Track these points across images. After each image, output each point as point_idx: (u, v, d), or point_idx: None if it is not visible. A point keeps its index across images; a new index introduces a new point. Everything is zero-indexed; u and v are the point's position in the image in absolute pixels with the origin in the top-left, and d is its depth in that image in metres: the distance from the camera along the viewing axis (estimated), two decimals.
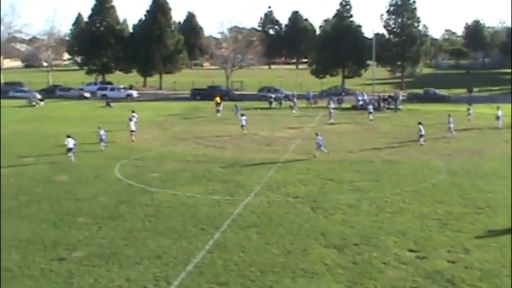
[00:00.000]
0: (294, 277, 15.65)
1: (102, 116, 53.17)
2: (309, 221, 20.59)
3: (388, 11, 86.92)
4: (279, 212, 21.73)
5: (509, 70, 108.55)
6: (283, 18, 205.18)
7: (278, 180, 26.91)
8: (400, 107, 59.38)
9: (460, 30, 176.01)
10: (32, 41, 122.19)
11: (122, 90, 77.56)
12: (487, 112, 51.64)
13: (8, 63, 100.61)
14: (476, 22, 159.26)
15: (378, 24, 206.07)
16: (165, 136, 41.74)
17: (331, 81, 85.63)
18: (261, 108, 59.91)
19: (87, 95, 75.21)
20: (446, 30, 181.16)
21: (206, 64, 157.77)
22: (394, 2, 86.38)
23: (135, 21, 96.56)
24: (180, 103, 67.68)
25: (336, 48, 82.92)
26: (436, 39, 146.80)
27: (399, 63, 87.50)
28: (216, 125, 47.75)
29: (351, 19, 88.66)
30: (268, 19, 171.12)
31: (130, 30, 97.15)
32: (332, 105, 53.10)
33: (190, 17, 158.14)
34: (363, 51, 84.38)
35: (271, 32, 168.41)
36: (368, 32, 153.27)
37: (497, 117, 44.88)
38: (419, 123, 37.74)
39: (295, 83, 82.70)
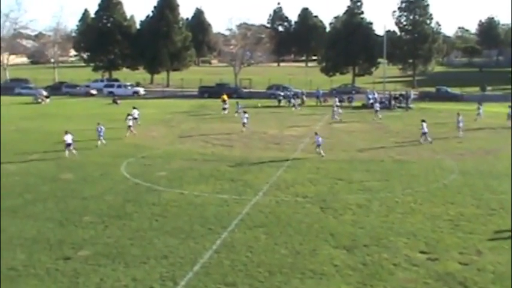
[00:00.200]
0: (302, 278, 15.42)
1: (108, 113, 52.89)
2: (318, 221, 20.32)
3: (399, 8, 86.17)
4: (288, 211, 21.47)
5: None
6: (293, 15, 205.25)
7: (287, 179, 26.63)
8: (411, 105, 58.79)
9: (473, 28, 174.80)
10: (38, 37, 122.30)
11: (129, 88, 77.48)
12: (501, 111, 50.82)
13: (13, 59, 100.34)
14: (490, 19, 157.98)
15: (389, 21, 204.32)
16: (172, 134, 41.52)
17: (341, 79, 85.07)
18: (268, 107, 59.57)
19: (94, 92, 75.06)
20: (459, 28, 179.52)
21: (214, 61, 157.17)
22: None
23: (143, 18, 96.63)
24: (188, 101, 67.55)
25: (346, 45, 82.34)
26: (448, 37, 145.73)
27: (411, 61, 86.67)
28: (224, 123, 47.49)
29: (362, 16, 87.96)
30: (278, 16, 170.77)
31: (138, 26, 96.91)
32: (337, 103, 52.61)
33: (198, 13, 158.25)
34: (373, 49, 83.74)
35: (280, 28, 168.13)
36: (379, 29, 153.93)
37: (510, 116, 44.27)
38: (423, 120, 37.38)
39: (305, 80, 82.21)
